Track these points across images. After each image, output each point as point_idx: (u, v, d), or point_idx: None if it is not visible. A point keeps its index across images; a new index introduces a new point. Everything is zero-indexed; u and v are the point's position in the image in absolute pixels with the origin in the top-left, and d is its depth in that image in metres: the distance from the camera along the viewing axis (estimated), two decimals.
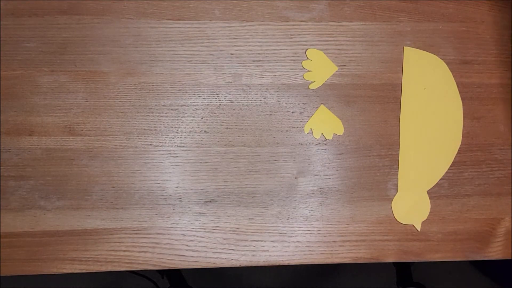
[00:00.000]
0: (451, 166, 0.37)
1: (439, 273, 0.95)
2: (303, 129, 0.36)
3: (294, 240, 0.36)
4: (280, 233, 0.36)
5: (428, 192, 0.37)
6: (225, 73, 0.36)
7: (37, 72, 0.35)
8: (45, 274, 0.34)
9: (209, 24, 0.36)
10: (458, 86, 0.37)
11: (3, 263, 0.34)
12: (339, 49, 0.37)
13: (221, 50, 0.36)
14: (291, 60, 0.36)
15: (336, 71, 0.36)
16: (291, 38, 0.36)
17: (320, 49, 0.36)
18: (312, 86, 0.36)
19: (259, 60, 0.36)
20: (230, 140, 0.36)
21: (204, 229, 0.36)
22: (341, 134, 0.36)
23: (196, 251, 0.35)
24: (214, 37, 0.36)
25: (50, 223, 0.35)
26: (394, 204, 0.36)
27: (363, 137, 0.37)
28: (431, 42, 0.37)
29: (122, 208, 0.35)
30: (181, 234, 0.35)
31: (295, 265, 0.36)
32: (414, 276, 0.92)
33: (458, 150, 0.37)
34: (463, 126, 0.37)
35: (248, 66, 0.36)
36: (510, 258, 0.37)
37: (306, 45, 0.36)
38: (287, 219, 0.36)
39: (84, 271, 0.35)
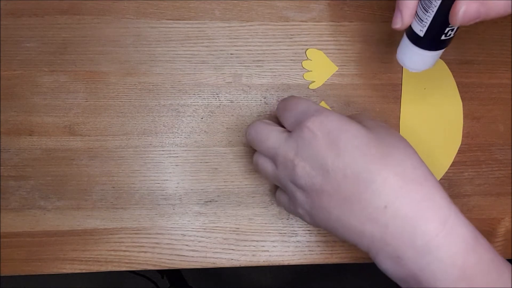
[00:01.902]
0: (451, 166, 0.37)
1: None
2: None
3: (294, 240, 0.36)
4: (280, 233, 0.36)
5: None
6: (225, 73, 0.36)
7: (37, 72, 0.35)
8: (45, 274, 0.35)
9: (209, 24, 0.36)
10: (458, 86, 0.37)
11: (3, 263, 0.34)
12: (339, 49, 0.37)
13: (221, 50, 0.36)
14: (291, 60, 0.36)
15: (336, 71, 0.36)
16: (291, 38, 0.36)
17: (320, 49, 0.36)
18: (312, 86, 0.36)
19: (259, 60, 0.36)
20: (230, 140, 0.36)
21: (204, 229, 0.36)
22: None
23: (196, 251, 0.35)
24: (214, 37, 0.36)
25: (50, 223, 0.35)
26: None
27: None
28: None
29: (122, 208, 0.35)
30: (181, 234, 0.35)
31: (295, 265, 0.36)
32: None
33: (458, 150, 0.37)
34: (463, 126, 0.37)
35: (248, 66, 0.36)
36: (510, 258, 0.37)
37: (306, 45, 0.36)
38: (287, 219, 0.36)
39: (84, 271, 0.35)
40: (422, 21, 0.28)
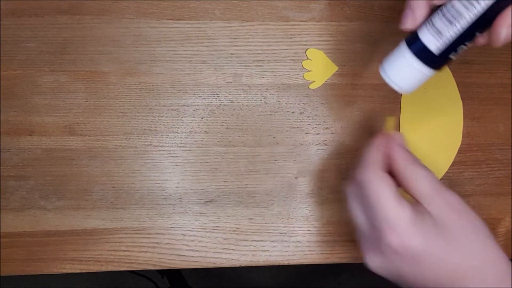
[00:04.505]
0: (451, 166, 0.37)
1: None
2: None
3: (294, 240, 0.36)
4: (280, 233, 0.36)
5: None
6: (225, 73, 0.36)
7: (37, 72, 0.35)
8: (45, 274, 0.34)
9: (209, 24, 0.36)
10: (458, 86, 0.37)
11: (3, 263, 0.34)
12: (339, 49, 0.37)
13: (221, 50, 0.36)
14: (291, 60, 0.36)
15: (336, 71, 0.36)
16: (291, 38, 0.36)
17: (320, 49, 0.36)
18: (312, 86, 0.36)
19: (259, 60, 0.36)
20: (230, 140, 0.36)
21: (204, 229, 0.36)
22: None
23: (196, 251, 0.35)
24: (214, 37, 0.36)
25: (50, 223, 0.35)
26: None
27: (363, 137, 0.37)
28: None
29: (122, 208, 0.35)
30: (181, 234, 0.35)
31: (295, 265, 0.36)
32: None
33: (458, 150, 0.37)
34: (463, 126, 0.37)
35: (248, 66, 0.36)
36: (510, 258, 0.37)
37: (306, 45, 0.36)
38: (287, 219, 0.36)
39: (84, 271, 0.35)
40: (441, 34, 0.24)
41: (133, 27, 0.35)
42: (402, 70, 0.27)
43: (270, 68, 0.36)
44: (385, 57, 0.29)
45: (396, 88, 0.28)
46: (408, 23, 0.26)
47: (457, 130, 0.37)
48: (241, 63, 0.36)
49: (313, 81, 0.36)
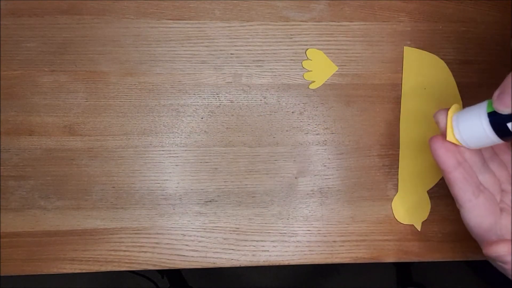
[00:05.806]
0: None
1: (439, 273, 0.95)
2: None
3: (294, 240, 0.36)
4: (280, 233, 0.36)
5: (428, 192, 0.37)
6: (225, 73, 0.36)
7: (37, 72, 0.35)
8: (45, 274, 0.34)
9: (209, 24, 0.36)
10: (458, 86, 0.37)
11: (3, 263, 0.34)
12: (339, 49, 0.37)
13: (221, 50, 0.36)
14: (291, 60, 0.36)
15: (336, 71, 0.36)
16: (291, 38, 0.36)
17: (320, 49, 0.36)
18: (312, 86, 0.36)
19: (259, 60, 0.36)
20: (230, 140, 0.36)
21: (204, 229, 0.36)
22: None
23: (196, 251, 0.35)
24: (214, 37, 0.36)
25: (50, 223, 0.35)
26: (394, 204, 0.36)
27: (363, 137, 0.37)
28: (431, 42, 0.37)
29: (122, 208, 0.35)
30: (181, 234, 0.35)
31: (295, 265, 0.36)
32: (414, 276, 0.92)
33: None
34: None
35: (248, 66, 0.36)
36: None
37: (306, 45, 0.36)
38: (287, 219, 0.36)
39: (84, 271, 0.35)
40: None
41: (133, 27, 0.35)
42: (478, 137, 0.28)
43: (270, 68, 0.36)
44: (463, 112, 0.29)
45: (463, 143, 0.28)
46: (502, 109, 0.26)
47: None
48: (241, 63, 0.36)
49: (313, 81, 0.36)
